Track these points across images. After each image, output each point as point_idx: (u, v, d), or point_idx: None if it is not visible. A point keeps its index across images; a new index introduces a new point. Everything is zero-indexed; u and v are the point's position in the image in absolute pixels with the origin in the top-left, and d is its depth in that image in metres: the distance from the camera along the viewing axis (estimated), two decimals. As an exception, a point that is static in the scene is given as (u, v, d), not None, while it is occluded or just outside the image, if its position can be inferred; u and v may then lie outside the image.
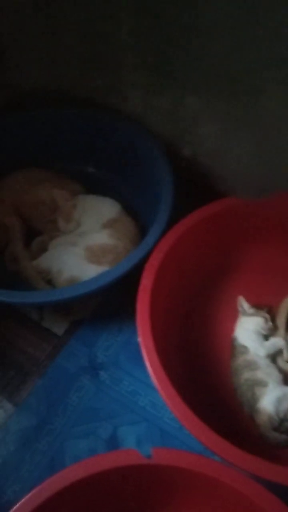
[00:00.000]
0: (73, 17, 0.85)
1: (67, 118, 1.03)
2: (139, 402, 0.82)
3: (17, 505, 0.57)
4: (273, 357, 0.79)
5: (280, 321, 0.84)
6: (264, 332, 0.81)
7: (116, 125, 0.99)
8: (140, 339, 0.69)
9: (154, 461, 0.60)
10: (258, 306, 0.84)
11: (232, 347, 0.81)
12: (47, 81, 1.01)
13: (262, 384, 0.74)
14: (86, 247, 0.90)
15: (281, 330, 0.83)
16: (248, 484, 0.59)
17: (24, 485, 0.75)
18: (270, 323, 0.82)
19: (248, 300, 0.84)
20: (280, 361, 0.79)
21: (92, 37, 0.86)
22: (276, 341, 0.80)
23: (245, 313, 0.83)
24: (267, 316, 0.82)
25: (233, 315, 0.85)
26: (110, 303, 0.94)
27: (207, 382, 0.81)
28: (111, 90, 0.95)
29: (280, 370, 0.77)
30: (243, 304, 0.83)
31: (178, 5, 0.71)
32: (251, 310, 0.83)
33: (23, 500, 0.58)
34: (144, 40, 0.81)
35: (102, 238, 0.91)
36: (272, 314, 0.84)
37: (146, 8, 0.75)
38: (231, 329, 0.83)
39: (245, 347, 0.79)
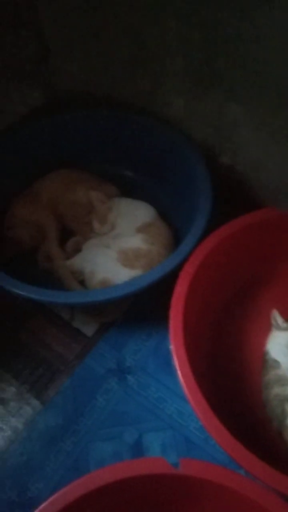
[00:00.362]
0: (120, 21, 0.85)
1: (107, 121, 1.03)
2: (166, 410, 0.81)
3: (43, 505, 0.58)
4: (306, 373, 0.78)
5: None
6: (297, 348, 0.79)
7: (156, 129, 0.99)
8: (172, 347, 0.68)
9: (181, 471, 0.60)
10: (292, 320, 0.83)
11: (264, 361, 0.79)
12: (90, 83, 1.02)
13: (293, 400, 0.73)
14: (120, 250, 0.90)
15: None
16: (274, 501, 0.58)
17: (47, 483, 0.76)
18: (304, 339, 0.80)
19: (282, 313, 0.82)
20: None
21: (139, 41, 0.86)
22: (310, 358, 0.78)
23: (279, 327, 0.81)
24: (301, 331, 0.81)
25: (266, 328, 0.83)
26: (141, 307, 0.94)
27: (237, 393, 0.80)
28: (153, 94, 0.95)
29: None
30: (277, 317, 0.82)
31: (232, 14, 0.70)
32: (285, 325, 0.81)
33: (48, 501, 0.58)
34: (191, 46, 0.80)
35: (136, 242, 0.91)
36: (306, 329, 0.83)
37: (196, 15, 0.75)
38: (262, 342, 0.82)
39: (277, 362, 0.77)
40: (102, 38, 0.91)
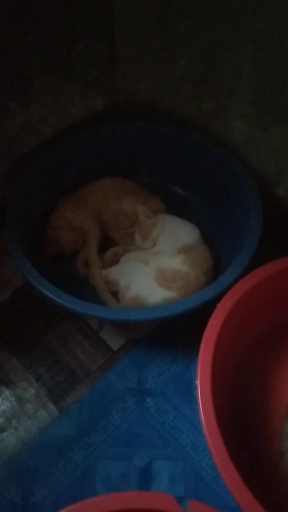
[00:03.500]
0: (195, 41, 0.84)
1: (165, 135, 1.01)
2: (180, 440, 0.79)
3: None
4: None
5: None
6: None
7: (213, 152, 0.96)
8: (198, 383, 0.66)
9: (189, 514, 0.58)
10: None
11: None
12: (153, 95, 1.01)
13: (313, 456, 0.69)
14: (158, 268, 0.89)
15: None
16: None
17: (52, 492, 0.76)
18: None
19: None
20: None
21: (211, 62, 0.84)
22: None
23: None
24: None
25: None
26: (169, 328, 0.92)
27: (257, 437, 0.77)
28: (217, 116, 0.93)
29: None
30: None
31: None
32: None
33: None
34: (265, 74, 0.78)
35: (175, 263, 0.89)
36: None
37: (277, 45, 0.72)
38: (289, 389, 0.79)
39: (302, 413, 0.74)
40: (173, 53, 0.90)
